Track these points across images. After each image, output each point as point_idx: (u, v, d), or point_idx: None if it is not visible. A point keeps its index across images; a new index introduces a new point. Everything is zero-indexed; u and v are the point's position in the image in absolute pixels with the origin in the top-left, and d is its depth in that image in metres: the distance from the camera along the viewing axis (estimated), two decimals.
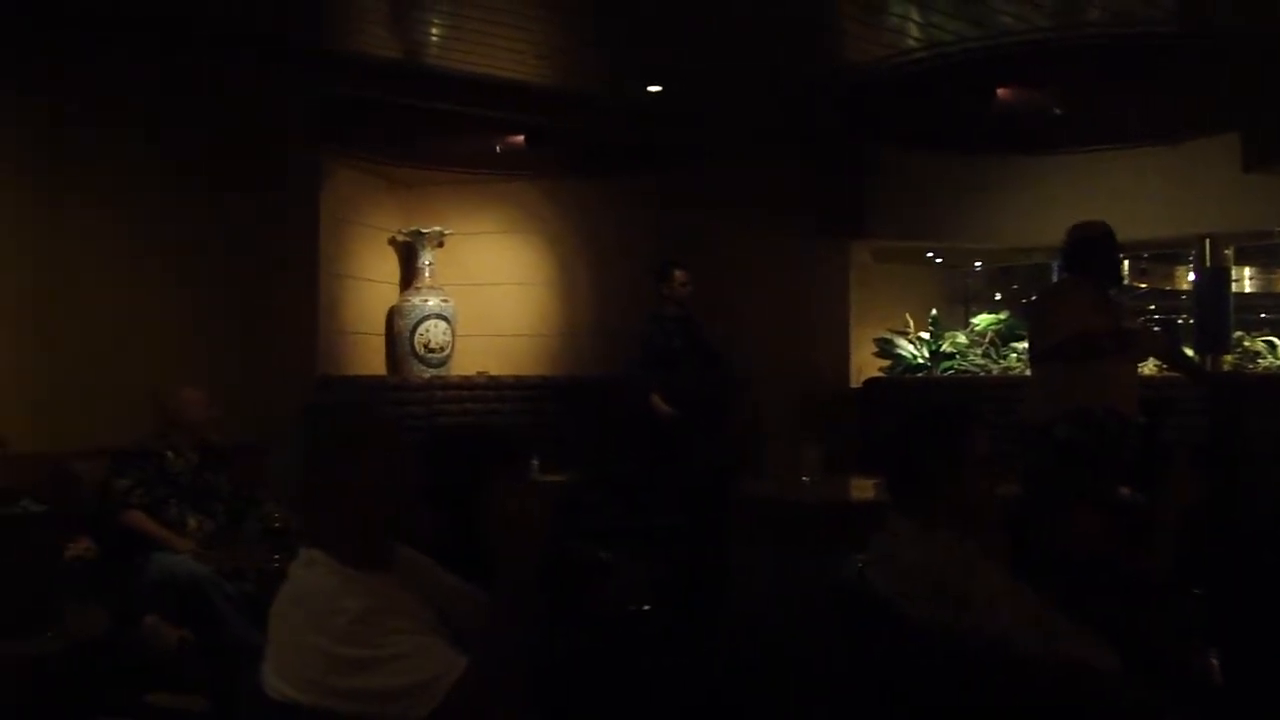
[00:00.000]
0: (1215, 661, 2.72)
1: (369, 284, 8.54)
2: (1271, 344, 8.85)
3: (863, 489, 5.77)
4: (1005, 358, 8.77)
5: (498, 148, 8.19)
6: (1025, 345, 8.10)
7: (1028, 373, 6.39)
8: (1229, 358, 8.48)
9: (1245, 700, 2.55)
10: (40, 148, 5.86)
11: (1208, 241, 8.60)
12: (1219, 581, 3.14)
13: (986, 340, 8.98)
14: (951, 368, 8.78)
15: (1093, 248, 5.45)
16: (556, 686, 2.48)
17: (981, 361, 8.81)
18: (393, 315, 8.68)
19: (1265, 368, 8.50)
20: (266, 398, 6.37)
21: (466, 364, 8.74)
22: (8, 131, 5.73)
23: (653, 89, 7.43)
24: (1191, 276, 9.76)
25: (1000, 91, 7.02)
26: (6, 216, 5.65)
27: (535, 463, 6.52)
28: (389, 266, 8.87)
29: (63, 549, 4.79)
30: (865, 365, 8.93)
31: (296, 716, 1.93)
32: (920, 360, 8.84)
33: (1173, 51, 6.34)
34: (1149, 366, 6.62)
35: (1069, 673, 2.43)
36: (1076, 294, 5.41)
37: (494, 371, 8.66)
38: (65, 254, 5.95)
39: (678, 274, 7.39)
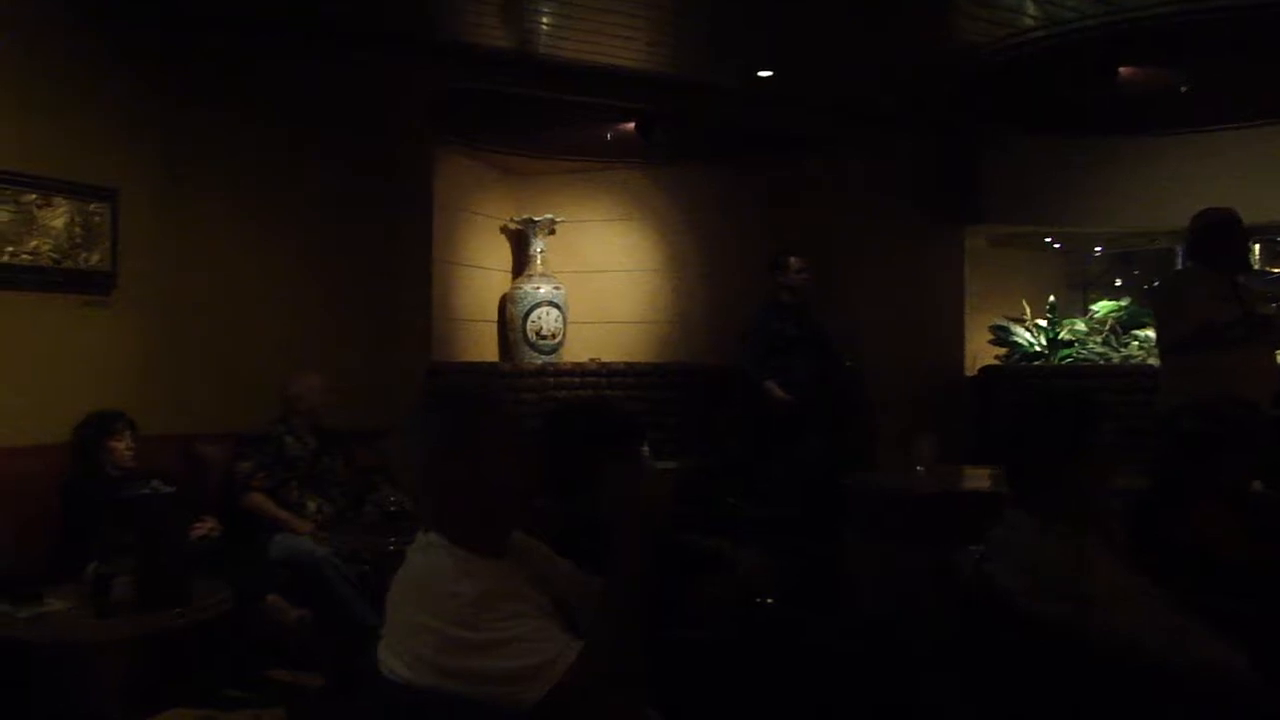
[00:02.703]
0: None
1: (482, 271, 8.64)
2: None
3: (978, 479, 5.68)
4: (1126, 345, 8.55)
5: (608, 135, 8.21)
6: (1146, 333, 7.91)
7: (1150, 361, 6.24)
8: None
9: None
10: (171, 140, 6.04)
11: None
12: None
13: (1106, 328, 8.77)
14: (1070, 356, 8.59)
15: (1218, 235, 5.29)
16: (674, 678, 2.47)
17: (1101, 349, 8.61)
18: (505, 302, 8.78)
19: None
20: (383, 383, 6.50)
21: (578, 351, 8.80)
22: (143, 124, 5.91)
23: (763, 74, 7.37)
24: None
25: (1123, 70, 6.82)
26: (140, 206, 5.83)
27: (646, 449, 6.53)
28: (501, 254, 8.96)
29: (190, 529, 4.94)
30: (981, 353, 8.78)
31: (411, 696, 1.95)
32: (1037, 348, 8.67)
33: None
34: None
35: (1197, 675, 2.36)
36: (1202, 284, 5.27)
37: (605, 358, 8.69)
38: (193, 243, 6.13)
39: (793, 261, 7.34)
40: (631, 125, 7.97)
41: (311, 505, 5.62)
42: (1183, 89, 7.25)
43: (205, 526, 5.13)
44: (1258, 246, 9.70)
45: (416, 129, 7.16)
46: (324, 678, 4.81)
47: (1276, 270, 11.47)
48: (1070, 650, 2.41)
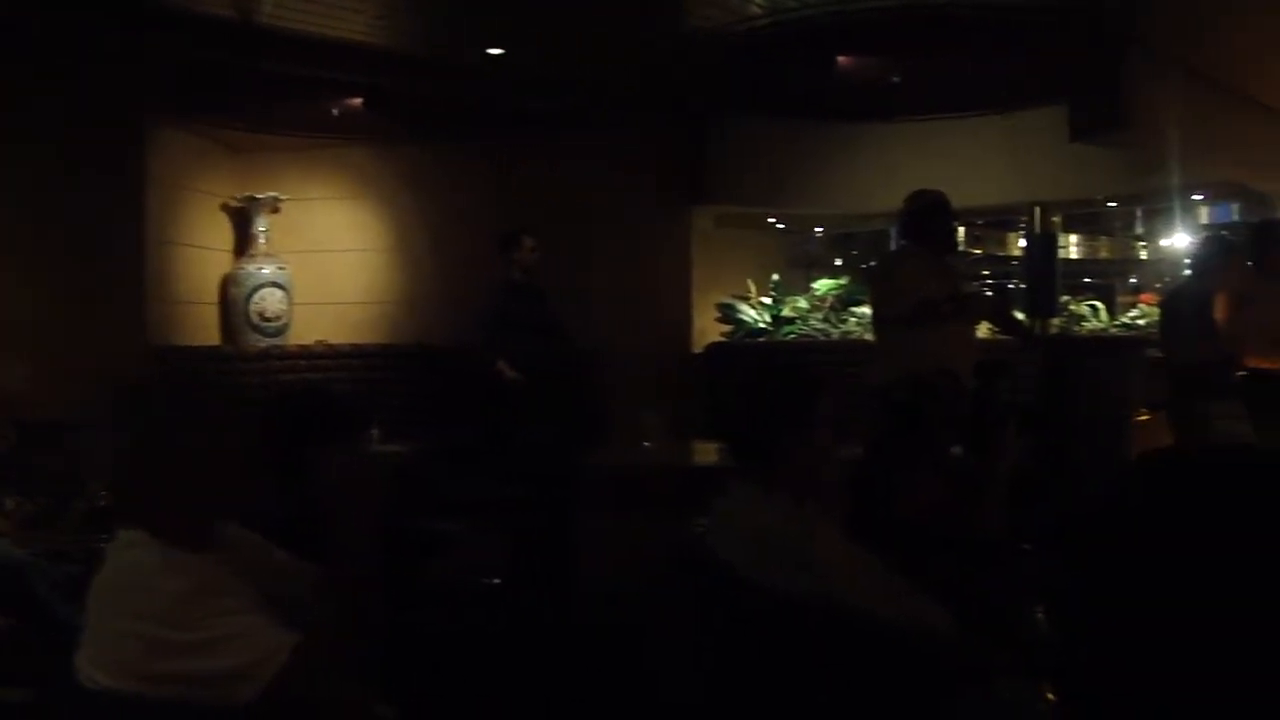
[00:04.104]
0: (1041, 615, 2.80)
1: (201, 251, 8.25)
2: (1095, 307, 9.23)
3: (706, 454, 5.81)
4: (845, 322, 8.92)
5: (335, 111, 7.98)
6: (865, 309, 8.27)
7: (867, 336, 6.53)
8: (1057, 321, 8.80)
9: (1069, 652, 2.63)
10: None
11: (1037, 209, 8.88)
12: (1046, 537, 3.23)
13: (827, 305, 9.13)
14: (793, 332, 8.91)
15: (929, 216, 5.56)
16: (402, 663, 2.42)
17: (822, 325, 8.95)
18: (227, 283, 8.42)
19: (1090, 330, 8.86)
20: (92, 371, 6.11)
21: (304, 333, 8.54)
22: None
23: (493, 52, 7.31)
24: (1022, 243, 10.09)
25: (841, 59, 7.10)
26: None
27: (375, 433, 6.40)
28: (222, 233, 8.58)
29: None
30: (708, 330, 8.99)
31: (114, 706, 1.84)
32: (762, 325, 8.94)
33: (1006, 23, 6.50)
34: (982, 329, 6.81)
35: (909, 634, 2.47)
36: (915, 261, 5.53)
37: (333, 340, 8.48)
38: None
39: (525, 241, 7.32)
40: (359, 101, 7.77)
41: (10, 504, 5.24)
42: (895, 79, 7.62)
43: None
44: (962, 230, 10.31)
45: (127, 101, 6.76)
46: (31, 691, 4.49)
47: (978, 251, 12.26)
48: (793, 617, 2.48)
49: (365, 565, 1.96)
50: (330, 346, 8.41)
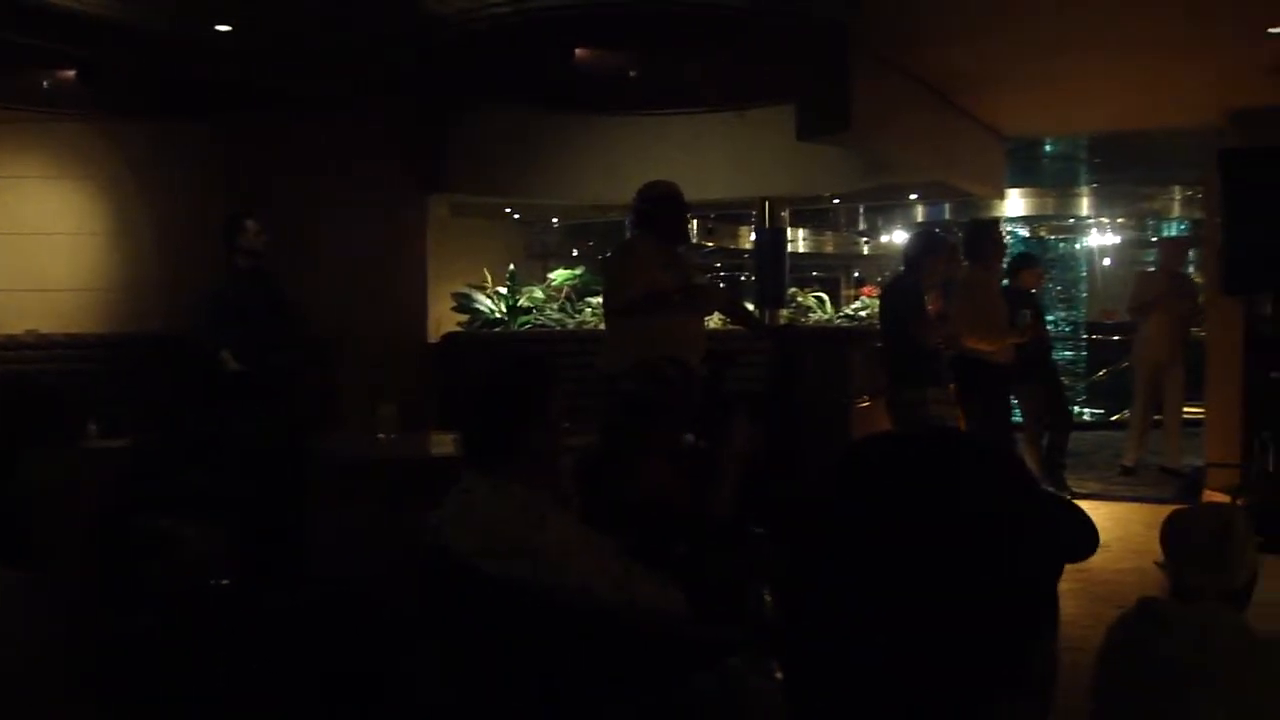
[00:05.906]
0: (768, 597, 2.91)
1: None
2: (821, 299, 9.68)
3: (441, 445, 5.77)
4: (580, 312, 9.03)
5: (44, 83, 7.49)
6: (599, 300, 8.41)
7: (602, 327, 6.63)
8: (785, 312, 9.17)
9: (791, 632, 2.75)
10: None
11: (767, 204, 9.21)
12: (775, 521, 3.36)
13: (563, 295, 9.20)
14: (528, 322, 8.94)
15: (661, 207, 5.69)
16: (120, 672, 2.30)
17: (558, 316, 9.02)
18: None
19: (816, 321, 9.28)
20: None
21: (12, 322, 7.99)
22: None
23: (222, 28, 7.01)
24: (753, 236, 10.46)
25: (578, 51, 7.16)
26: None
27: (93, 427, 6.07)
28: None
29: None
30: (443, 320, 8.91)
31: None
32: (498, 315, 8.94)
33: (739, 22, 6.69)
34: (714, 320, 7.02)
35: (641, 615, 2.53)
36: (647, 251, 5.64)
37: (44, 329, 7.97)
38: None
39: (250, 225, 7.06)
40: (73, 73, 7.32)
41: None
42: (631, 73, 7.74)
43: None
44: (695, 223, 10.60)
45: None
46: None
47: (711, 244, 12.64)
48: (526, 605, 2.50)
49: (77, 568, 1.85)
50: (41, 336, 7.91)
